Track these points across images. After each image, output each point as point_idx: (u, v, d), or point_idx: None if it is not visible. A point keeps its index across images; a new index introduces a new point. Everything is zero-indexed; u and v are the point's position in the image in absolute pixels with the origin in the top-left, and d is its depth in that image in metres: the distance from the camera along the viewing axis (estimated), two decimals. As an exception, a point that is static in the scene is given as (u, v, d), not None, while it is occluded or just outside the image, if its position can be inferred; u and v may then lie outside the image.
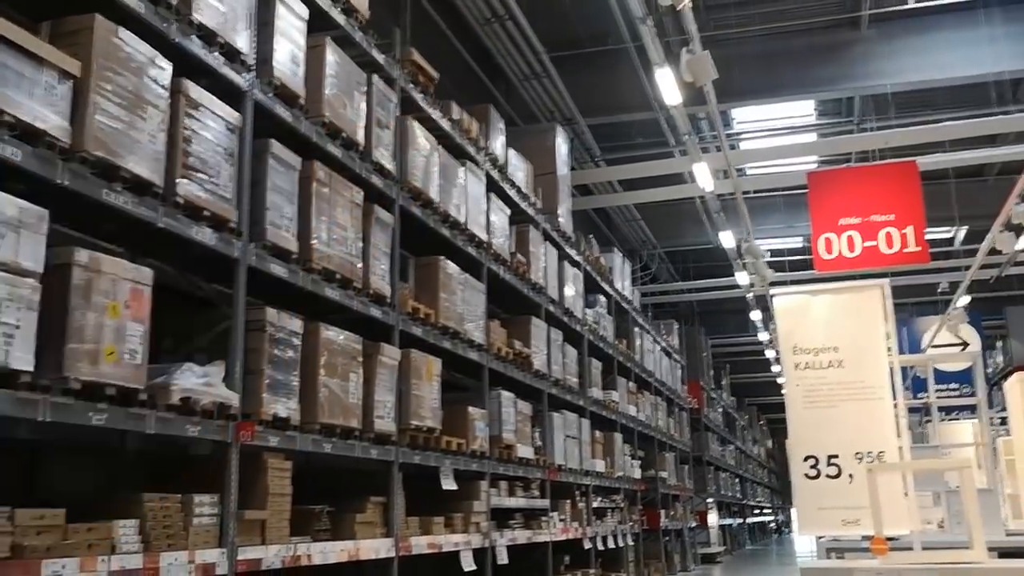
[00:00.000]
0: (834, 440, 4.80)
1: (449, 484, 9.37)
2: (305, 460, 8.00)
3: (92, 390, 4.74)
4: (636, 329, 20.23)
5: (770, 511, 55.67)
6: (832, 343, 4.88)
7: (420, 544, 8.54)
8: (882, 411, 4.80)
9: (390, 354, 8.14)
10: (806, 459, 4.84)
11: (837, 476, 4.78)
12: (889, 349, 4.89)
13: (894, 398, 4.92)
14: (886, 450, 4.71)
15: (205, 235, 5.81)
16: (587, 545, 14.63)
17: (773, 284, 15.74)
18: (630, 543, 17.87)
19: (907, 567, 2.98)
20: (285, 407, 6.49)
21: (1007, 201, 12.40)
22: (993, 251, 15.11)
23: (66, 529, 4.68)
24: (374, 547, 7.63)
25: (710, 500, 30.27)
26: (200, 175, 5.78)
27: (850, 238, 11.18)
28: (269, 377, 6.35)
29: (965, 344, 20.19)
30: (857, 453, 4.80)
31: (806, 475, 4.81)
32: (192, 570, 5.39)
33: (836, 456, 4.81)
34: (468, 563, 9.67)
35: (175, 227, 5.54)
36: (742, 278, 21.45)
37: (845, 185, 11.71)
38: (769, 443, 56.84)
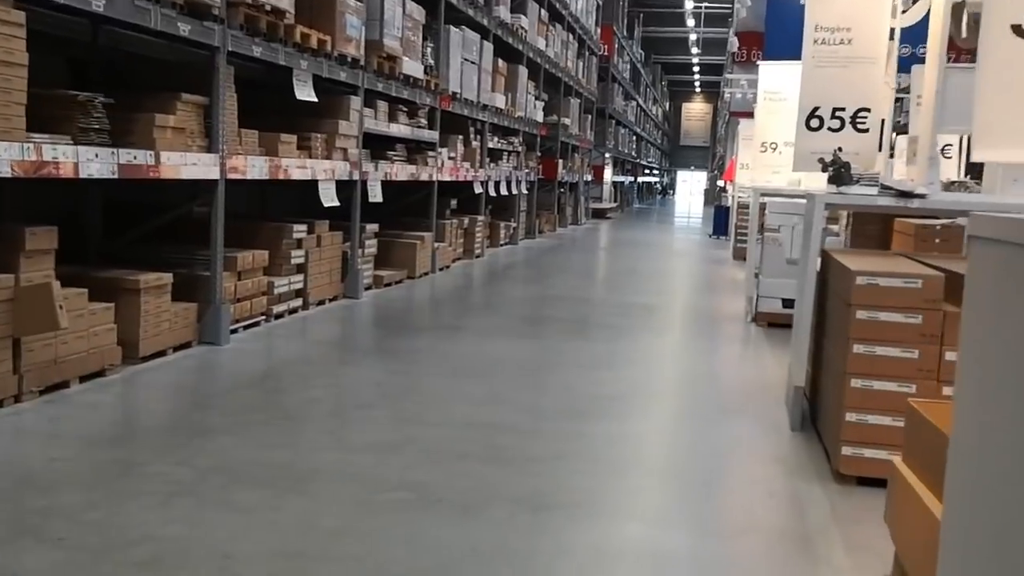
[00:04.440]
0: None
1: (306, 94, 7.05)
2: (89, 39, 5.56)
3: None
4: (556, -53, 17.23)
5: (658, 173, 55.85)
6: None
7: (259, 167, 6.37)
8: None
9: None
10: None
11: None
12: None
13: None
14: None
15: None
16: (478, 189, 12.84)
17: None
18: (524, 192, 16.27)
19: None
20: (5, -82, 3.90)
21: None
22: None
23: None
24: (185, 162, 5.41)
25: (608, 155, 28.94)
26: None
27: None
28: None
29: None
30: None
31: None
32: None
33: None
34: (329, 197, 7.64)
35: None
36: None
37: None
38: (667, 104, 55.57)
